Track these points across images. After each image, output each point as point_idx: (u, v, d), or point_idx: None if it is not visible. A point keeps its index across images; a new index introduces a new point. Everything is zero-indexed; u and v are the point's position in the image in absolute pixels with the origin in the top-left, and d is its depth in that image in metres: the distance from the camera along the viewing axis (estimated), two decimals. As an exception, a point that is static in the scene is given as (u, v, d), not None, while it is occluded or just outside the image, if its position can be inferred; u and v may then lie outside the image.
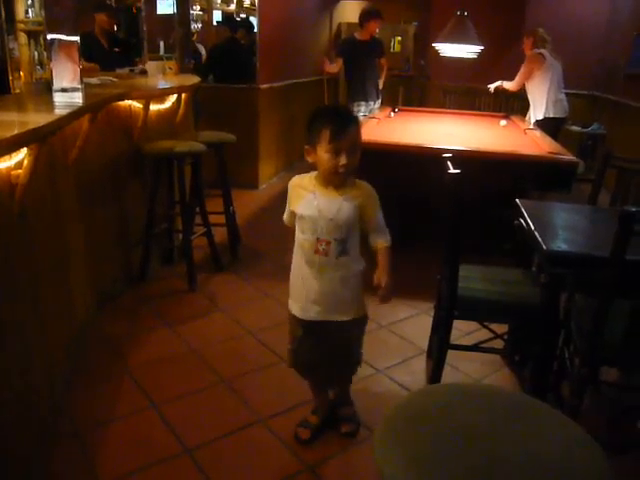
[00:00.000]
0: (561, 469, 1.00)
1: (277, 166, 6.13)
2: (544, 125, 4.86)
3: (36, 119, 1.92)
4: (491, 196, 3.24)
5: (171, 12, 5.08)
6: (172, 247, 3.65)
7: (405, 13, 8.78)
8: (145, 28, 4.83)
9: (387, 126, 4.43)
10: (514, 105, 6.12)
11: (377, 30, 5.48)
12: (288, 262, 1.96)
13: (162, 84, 3.81)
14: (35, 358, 2.03)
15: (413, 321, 3.05)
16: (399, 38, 9.15)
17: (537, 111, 5.13)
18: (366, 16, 5.29)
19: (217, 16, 7.49)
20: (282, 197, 1.97)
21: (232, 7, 7.72)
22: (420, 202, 3.61)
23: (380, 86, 5.65)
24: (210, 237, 3.55)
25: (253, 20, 5.90)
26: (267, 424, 2.17)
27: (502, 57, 6.34)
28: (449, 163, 2.21)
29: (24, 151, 1.84)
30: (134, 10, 5.57)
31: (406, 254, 3.18)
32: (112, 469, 1.92)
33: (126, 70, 4.43)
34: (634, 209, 1.67)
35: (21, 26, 4.00)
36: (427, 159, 2.95)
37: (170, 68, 4.29)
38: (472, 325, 2.61)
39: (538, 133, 4.32)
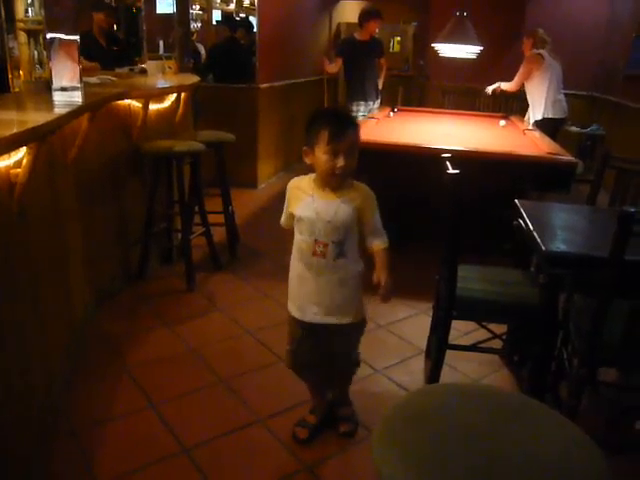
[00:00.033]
0: (559, 469, 1.00)
1: (276, 166, 6.13)
2: (543, 125, 4.87)
3: (35, 118, 1.92)
4: (490, 196, 3.24)
5: (171, 11, 5.07)
6: (171, 246, 3.64)
7: (404, 13, 8.78)
8: (145, 27, 4.82)
9: (386, 126, 4.43)
10: (513, 105, 6.12)
11: (377, 30, 5.48)
12: (287, 262, 1.96)
13: (161, 83, 3.81)
14: (34, 358, 2.03)
15: (412, 321, 3.05)
16: (398, 38, 9.15)
17: (536, 111, 5.13)
18: (366, 16, 5.29)
19: (217, 15, 7.49)
20: (281, 197, 1.97)
21: (232, 7, 7.72)
22: (419, 202, 3.61)
23: (379, 86, 5.65)
24: (209, 236, 3.55)
25: (253, 20, 5.90)
26: (265, 424, 2.17)
27: (501, 57, 6.35)
28: (448, 163, 2.21)
29: (23, 150, 1.83)
30: (134, 9, 5.58)
31: (405, 254, 3.19)
32: (111, 468, 1.92)
33: (126, 69, 4.43)
34: (633, 209, 1.67)
35: (21, 25, 3.99)
36: (426, 159, 2.95)
37: (169, 67, 4.29)
38: (471, 325, 2.61)
39: (537, 133, 4.33)
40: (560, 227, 2.25)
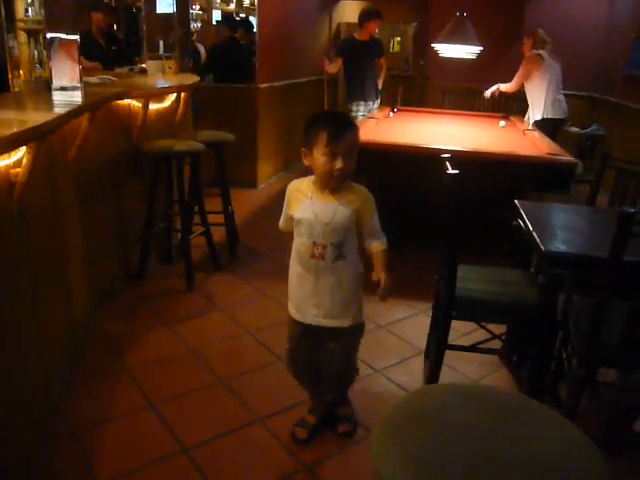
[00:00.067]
0: (558, 470, 1.00)
1: (276, 165, 6.13)
2: (543, 126, 4.87)
3: (35, 118, 1.92)
4: (490, 197, 3.24)
5: (171, 11, 5.07)
6: (171, 246, 3.64)
7: (404, 13, 8.78)
8: (145, 27, 4.83)
9: (386, 126, 4.43)
10: (513, 106, 6.12)
11: (377, 30, 5.48)
12: (287, 262, 1.96)
13: (161, 83, 3.81)
14: (34, 358, 2.03)
15: (411, 321, 3.05)
16: (398, 38, 9.15)
17: (536, 112, 5.13)
18: (366, 16, 5.29)
19: (217, 15, 7.49)
20: (281, 196, 1.97)
21: (232, 7, 7.72)
22: (418, 202, 3.61)
23: (379, 86, 5.65)
24: (209, 236, 3.55)
25: (252, 20, 5.91)
26: (265, 424, 2.17)
27: (501, 58, 6.35)
28: (448, 163, 2.21)
29: (23, 149, 1.83)
30: (134, 9, 5.58)
31: (403, 254, 3.19)
32: (110, 468, 1.92)
33: (125, 69, 4.43)
34: (632, 210, 1.67)
35: (21, 25, 4.00)
36: (426, 159, 2.95)
37: (169, 67, 4.29)
38: (470, 325, 2.61)
39: (537, 134, 4.33)
40: (560, 227, 2.25)
